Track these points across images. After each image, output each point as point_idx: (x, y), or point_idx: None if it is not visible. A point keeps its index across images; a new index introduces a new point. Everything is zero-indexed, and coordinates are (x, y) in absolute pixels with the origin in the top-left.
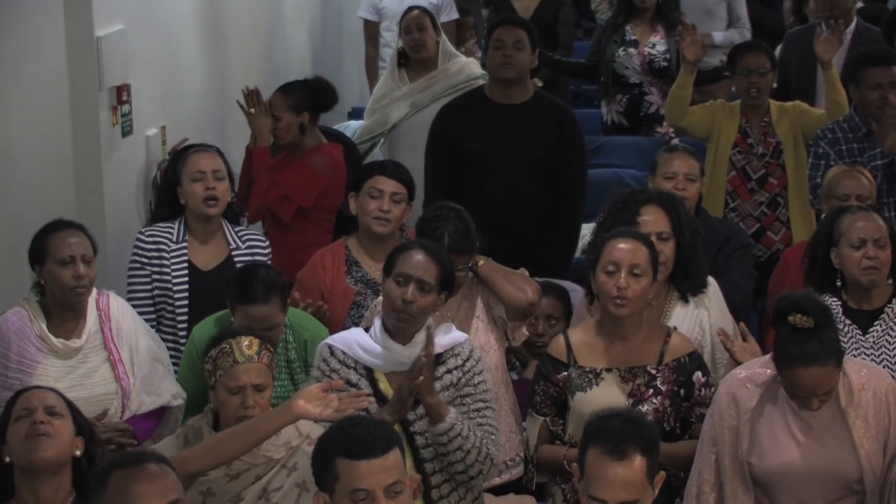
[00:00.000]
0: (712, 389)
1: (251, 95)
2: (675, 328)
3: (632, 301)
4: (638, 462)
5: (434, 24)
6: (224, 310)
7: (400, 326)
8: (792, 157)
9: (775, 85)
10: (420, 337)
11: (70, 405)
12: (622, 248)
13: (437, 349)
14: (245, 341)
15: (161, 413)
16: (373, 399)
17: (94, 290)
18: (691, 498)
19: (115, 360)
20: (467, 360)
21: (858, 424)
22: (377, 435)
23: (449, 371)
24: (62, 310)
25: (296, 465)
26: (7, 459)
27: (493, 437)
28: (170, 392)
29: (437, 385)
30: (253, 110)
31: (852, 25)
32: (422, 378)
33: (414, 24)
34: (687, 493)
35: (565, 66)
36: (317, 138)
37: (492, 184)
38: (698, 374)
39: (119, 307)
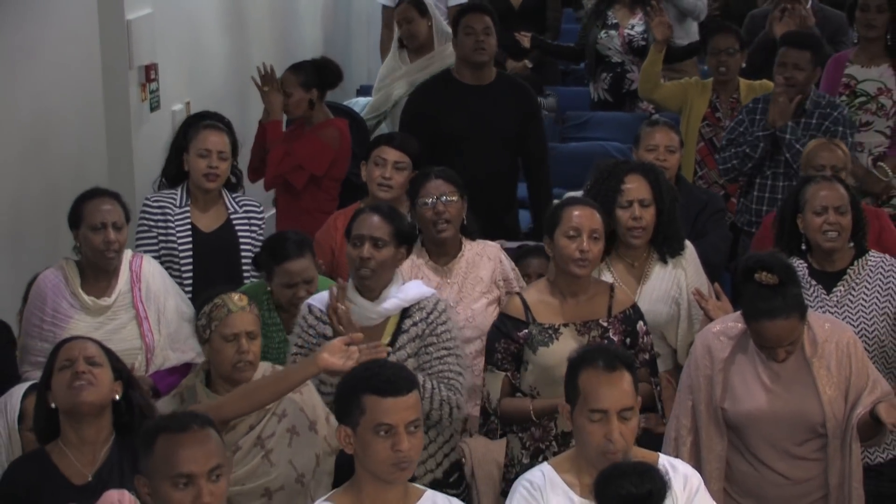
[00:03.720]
0: (650, 337)
1: (266, 74)
2: (616, 284)
3: (592, 262)
4: (627, 374)
5: (422, 11)
6: (233, 271)
7: (364, 284)
8: None
9: (744, 64)
10: (388, 292)
11: (108, 353)
12: (580, 214)
13: (404, 304)
14: (235, 296)
15: (186, 369)
16: (389, 349)
17: (129, 253)
18: (670, 441)
19: (142, 317)
20: (431, 312)
21: (822, 373)
22: (402, 376)
23: (415, 323)
24: (95, 270)
25: (284, 412)
26: (52, 405)
27: (454, 381)
28: (195, 350)
29: (404, 337)
30: (266, 88)
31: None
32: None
33: (402, 17)
34: (666, 437)
35: (555, 50)
36: (324, 113)
37: (467, 160)
38: (640, 323)
39: (150, 269)
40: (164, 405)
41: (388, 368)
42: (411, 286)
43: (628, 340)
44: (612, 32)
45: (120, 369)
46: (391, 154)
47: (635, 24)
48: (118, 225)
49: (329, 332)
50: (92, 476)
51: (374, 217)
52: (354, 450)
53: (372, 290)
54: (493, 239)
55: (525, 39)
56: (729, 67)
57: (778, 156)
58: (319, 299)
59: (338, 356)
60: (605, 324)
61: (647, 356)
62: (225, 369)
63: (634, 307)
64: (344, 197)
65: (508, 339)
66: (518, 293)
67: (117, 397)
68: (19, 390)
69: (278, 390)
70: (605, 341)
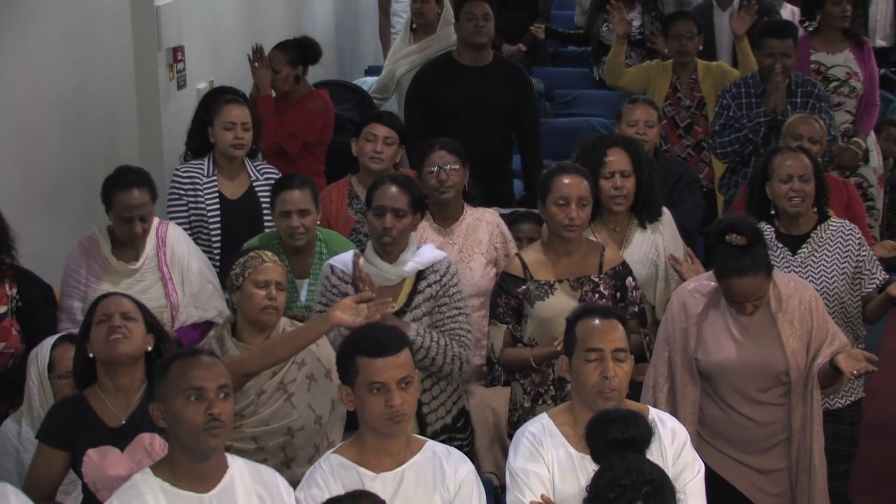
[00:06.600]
0: (639, 291)
1: (256, 52)
2: (605, 245)
3: (580, 227)
4: (620, 325)
5: None
6: (257, 234)
7: (385, 249)
8: (713, 109)
9: (701, 47)
10: (405, 255)
11: (142, 308)
12: (569, 182)
13: (420, 266)
14: (268, 252)
15: (207, 326)
16: (393, 305)
17: (157, 220)
18: (648, 388)
19: (166, 279)
20: (444, 275)
21: (786, 327)
22: (391, 337)
23: (429, 285)
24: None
25: (304, 361)
26: (91, 355)
27: (464, 338)
28: (216, 309)
29: (420, 297)
30: (257, 64)
31: None
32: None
33: None
34: (645, 384)
35: (566, 36)
36: (307, 86)
37: (464, 134)
38: (629, 279)
39: (175, 235)
40: None
41: (379, 331)
42: (426, 250)
43: (618, 294)
44: (613, 26)
45: (152, 323)
46: (380, 130)
47: (633, 19)
48: (145, 217)
49: (350, 290)
50: (125, 420)
51: (392, 188)
52: (355, 407)
53: (391, 253)
54: (488, 206)
55: (540, 31)
56: (688, 50)
57: (771, 135)
58: (341, 261)
59: (349, 313)
60: (596, 279)
61: (636, 308)
62: (253, 313)
63: (623, 264)
64: (337, 166)
65: (509, 295)
66: (518, 254)
67: (149, 349)
68: (49, 342)
69: (295, 346)
70: (597, 296)
